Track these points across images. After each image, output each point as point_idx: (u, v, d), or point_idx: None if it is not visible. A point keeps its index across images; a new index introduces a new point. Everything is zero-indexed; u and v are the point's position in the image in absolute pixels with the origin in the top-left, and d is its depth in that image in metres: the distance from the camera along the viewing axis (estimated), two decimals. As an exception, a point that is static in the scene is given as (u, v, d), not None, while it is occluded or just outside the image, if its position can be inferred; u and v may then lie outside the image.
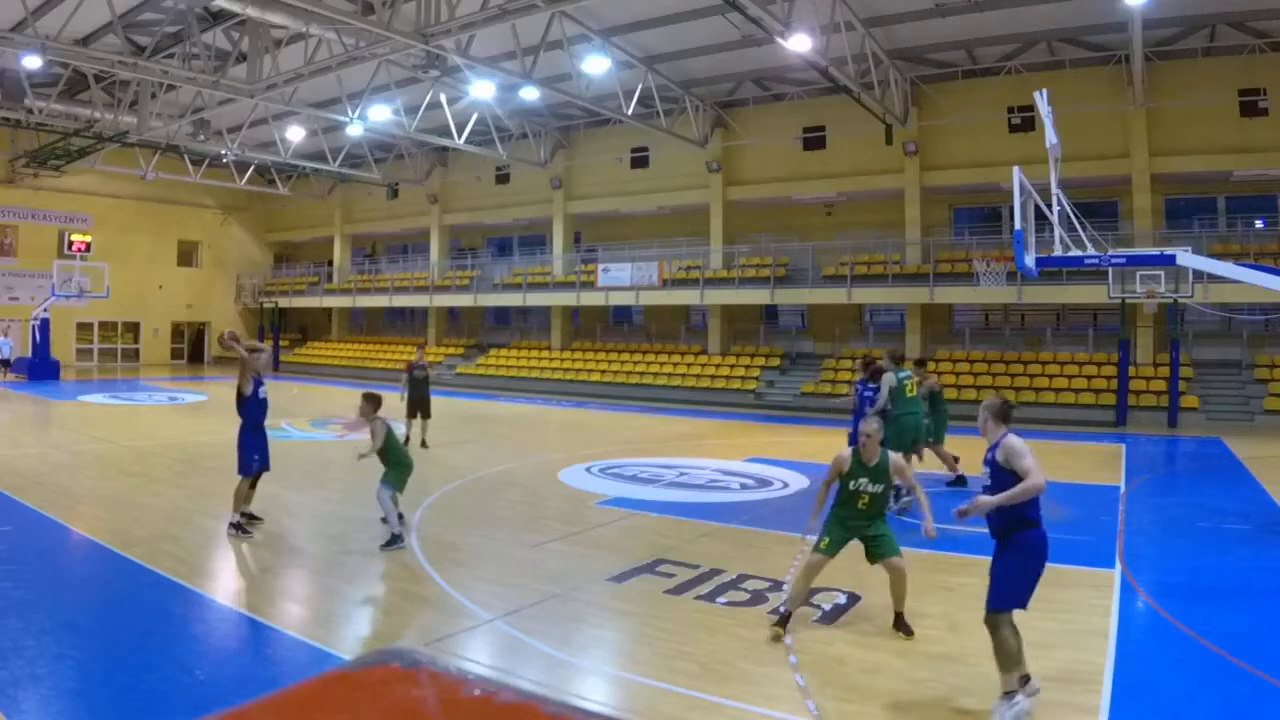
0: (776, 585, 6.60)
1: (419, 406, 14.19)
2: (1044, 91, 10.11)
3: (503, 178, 31.69)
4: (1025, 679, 4.43)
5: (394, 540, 7.68)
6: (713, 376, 24.40)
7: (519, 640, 5.53)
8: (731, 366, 24.76)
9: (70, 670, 4.80)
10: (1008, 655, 4.44)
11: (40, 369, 27.38)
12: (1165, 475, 13.58)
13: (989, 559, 7.48)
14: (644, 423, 19.32)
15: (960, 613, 6.04)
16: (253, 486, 8.51)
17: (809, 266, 24.15)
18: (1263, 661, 5.09)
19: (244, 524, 8.22)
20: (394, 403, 15.09)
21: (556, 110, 27.25)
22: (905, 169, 23.22)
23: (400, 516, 8.01)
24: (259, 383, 8.49)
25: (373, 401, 8.00)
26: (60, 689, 4.58)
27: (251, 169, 32.19)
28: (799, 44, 15.88)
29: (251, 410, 8.40)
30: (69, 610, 5.88)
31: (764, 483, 11.49)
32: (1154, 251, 14.80)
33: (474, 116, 24.60)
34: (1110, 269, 16.06)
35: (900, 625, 5.68)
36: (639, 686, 4.87)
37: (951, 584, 6.75)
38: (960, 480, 10.60)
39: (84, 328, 34.67)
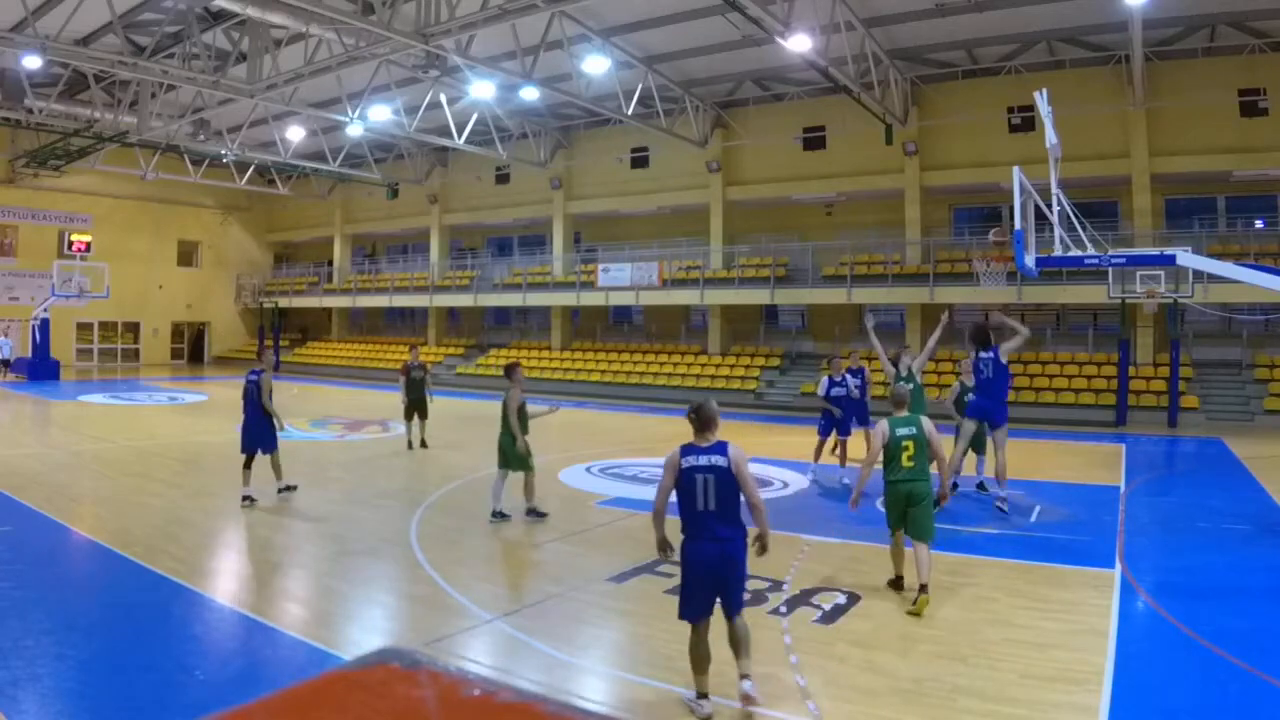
0: (776, 585, 6.60)
1: (416, 407, 14.13)
2: (1044, 91, 10.09)
3: (503, 178, 31.69)
4: (702, 695, 4.37)
5: (496, 515, 8.72)
6: (713, 376, 24.40)
7: (519, 640, 5.53)
8: (731, 366, 24.76)
9: (70, 670, 4.80)
10: (692, 661, 4.46)
11: (40, 369, 27.37)
12: (1165, 475, 13.57)
13: (989, 559, 7.54)
14: (644, 423, 19.32)
15: (960, 613, 6.04)
16: (248, 467, 9.62)
17: (809, 266, 24.15)
18: (1263, 661, 5.09)
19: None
20: (394, 404, 15.05)
21: (556, 110, 27.25)
22: (905, 169, 23.22)
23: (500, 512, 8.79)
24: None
25: (507, 372, 8.98)
26: (60, 689, 4.58)
27: (251, 169, 32.18)
28: (799, 44, 15.88)
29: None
30: (69, 610, 5.88)
31: (764, 483, 11.48)
32: (1154, 251, 14.78)
33: (474, 116, 24.60)
34: (1110, 269, 16.05)
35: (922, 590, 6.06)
36: (639, 686, 4.87)
37: (951, 584, 6.75)
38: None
39: (84, 328, 34.66)
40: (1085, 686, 4.74)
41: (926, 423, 6.44)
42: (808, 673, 4.91)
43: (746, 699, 4.32)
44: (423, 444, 13.99)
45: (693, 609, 4.50)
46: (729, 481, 4.45)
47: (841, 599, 6.30)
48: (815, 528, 8.60)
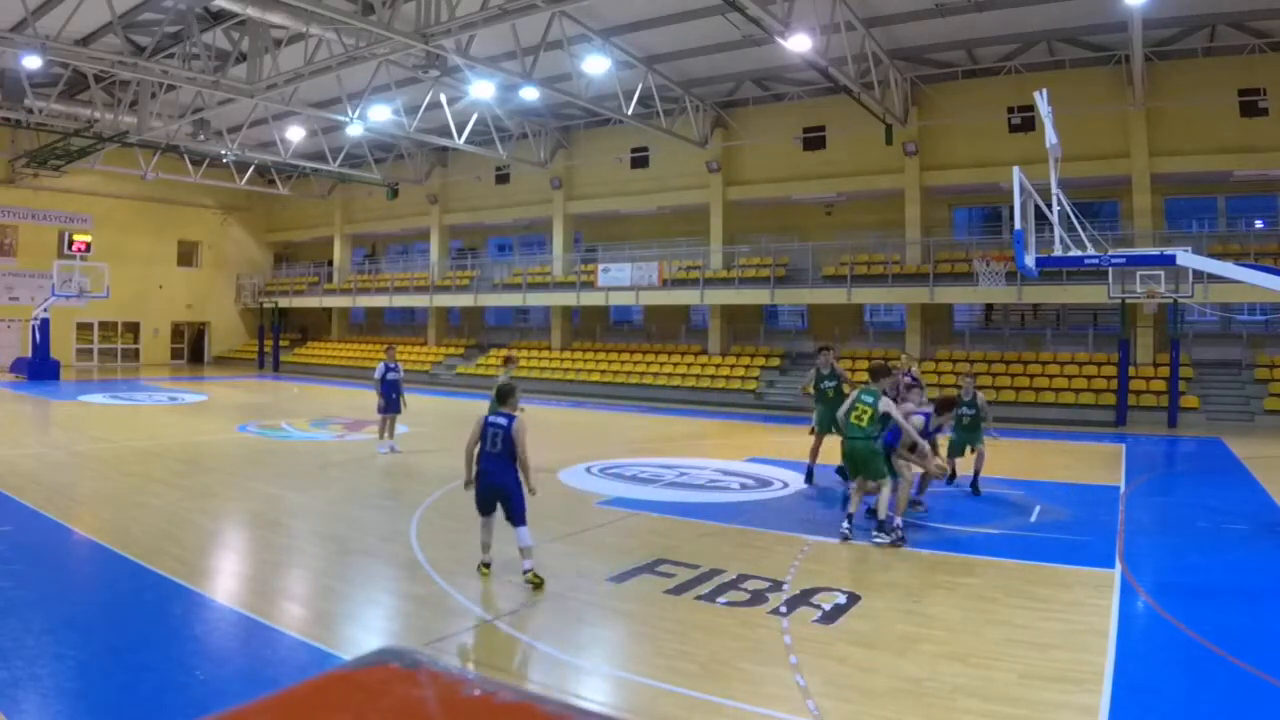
0: (776, 585, 6.60)
1: None
2: (1044, 91, 10.09)
3: (503, 178, 31.69)
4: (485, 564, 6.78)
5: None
6: (713, 376, 24.40)
7: (519, 640, 5.53)
8: (731, 366, 24.76)
9: (70, 670, 4.80)
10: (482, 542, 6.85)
11: (40, 369, 27.35)
12: (1165, 475, 13.57)
13: (989, 559, 7.57)
14: (644, 423, 19.31)
15: (960, 612, 6.04)
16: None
17: (809, 266, 24.16)
18: (1263, 661, 5.09)
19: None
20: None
21: (556, 110, 27.25)
22: (905, 169, 23.22)
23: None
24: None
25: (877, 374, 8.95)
26: (60, 689, 4.58)
27: (251, 169, 32.17)
28: (799, 44, 15.88)
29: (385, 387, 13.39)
30: (69, 610, 5.88)
31: (764, 483, 11.49)
32: (1154, 251, 14.79)
33: (474, 116, 24.60)
34: (1110, 269, 16.04)
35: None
36: (639, 686, 4.87)
37: (952, 584, 6.75)
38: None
39: (84, 328, 34.66)
40: (1085, 686, 4.74)
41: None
42: (808, 673, 4.91)
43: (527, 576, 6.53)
44: None
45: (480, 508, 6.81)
46: (508, 437, 6.58)
47: (841, 599, 6.30)
48: (815, 528, 8.60)
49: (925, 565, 7.35)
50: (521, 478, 6.63)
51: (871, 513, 8.27)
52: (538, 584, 6.43)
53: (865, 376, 9.80)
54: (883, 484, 8.15)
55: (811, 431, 11.12)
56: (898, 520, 7.99)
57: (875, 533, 7.92)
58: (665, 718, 4.43)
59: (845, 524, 8.11)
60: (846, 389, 10.46)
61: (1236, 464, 13.44)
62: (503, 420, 6.62)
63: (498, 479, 6.58)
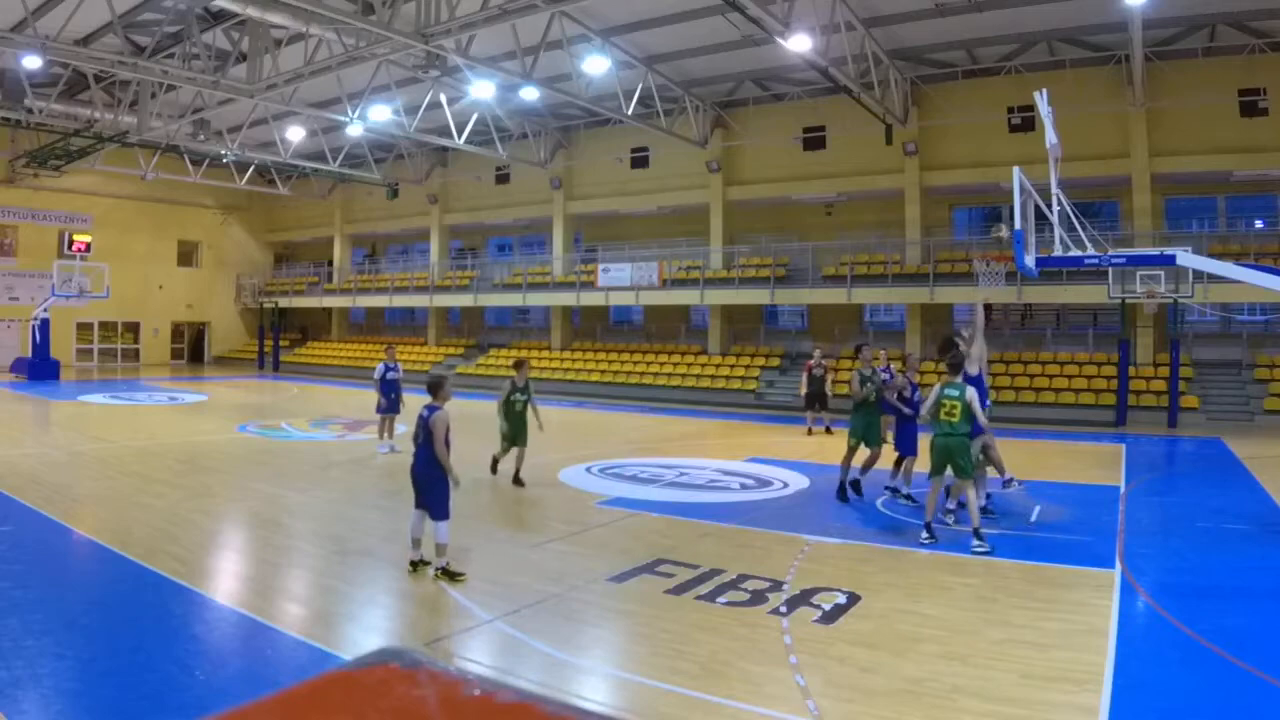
0: (776, 585, 6.60)
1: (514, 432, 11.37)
2: (1044, 91, 10.09)
3: (503, 178, 31.69)
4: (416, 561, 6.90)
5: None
6: (713, 376, 24.40)
7: (519, 640, 5.53)
8: (731, 366, 24.76)
9: (70, 670, 4.80)
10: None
11: (40, 369, 27.35)
12: (1165, 475, 13.57)
13: (989, 559, 7.57)
14: (644, 423, 19.31)
15: (960, 613, 6.04)
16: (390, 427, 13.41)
17: (809, 266, 24.15)
18: (1263, 661, 5.09)
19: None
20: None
21: (556, 110, 27.25)
22: (905, 169, 23.22)
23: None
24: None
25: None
26: (60, 689, 4.58)
27: (251, 169, 32.17)
28: (799, 44, 15.89)
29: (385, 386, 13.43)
30: (69, 610, 5.88)
31: (764, 483, 11.49)
32: (1154, 251, 14.78)
33: (474, 116, 24.60)
34: (1110, 269, 16.05)
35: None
36: (639, 686, 4.87)
37: (951, 584, 6.75)
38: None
39: (84, 328, 34.64)
40: (1085, 686, 4.74)
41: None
42: (808, 673, 4.91)
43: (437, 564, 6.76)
44: (516, 480, 10.92)
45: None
46: (425, 428, 6.79)
47: (841, 599, 6.30)
48: (815, 528, 8.60)
49: (925, 565, 7.35)
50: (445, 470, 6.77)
51: (961, 506, 8.55)
52: (454, 577, 6.57)
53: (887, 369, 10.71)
54: (967, 484, 7.93)
55: (826, 431, 10.97)
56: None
57: (975, 544, 7.64)
58: (665, 718, 4.43)
59: (925, 534, 7.96)
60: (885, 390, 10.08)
61: (1236, 464, 13.44)
62: (424, 412, 6.87)
63: (415, 469, 6.85)
